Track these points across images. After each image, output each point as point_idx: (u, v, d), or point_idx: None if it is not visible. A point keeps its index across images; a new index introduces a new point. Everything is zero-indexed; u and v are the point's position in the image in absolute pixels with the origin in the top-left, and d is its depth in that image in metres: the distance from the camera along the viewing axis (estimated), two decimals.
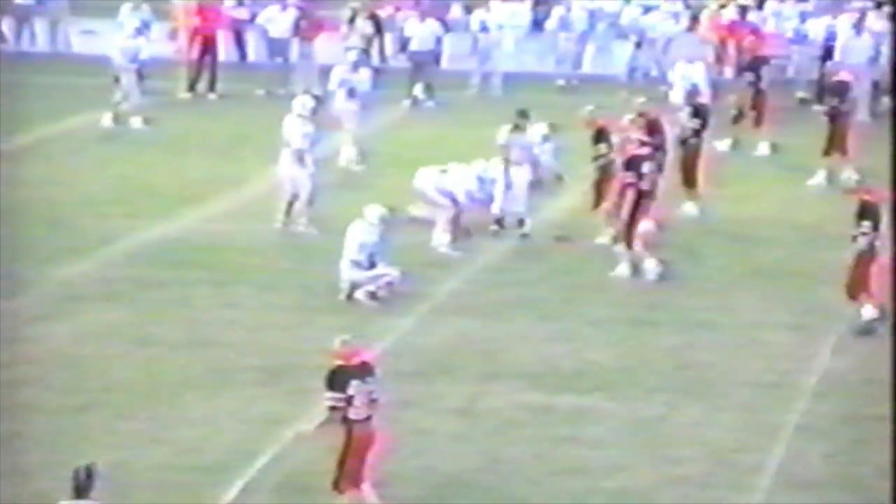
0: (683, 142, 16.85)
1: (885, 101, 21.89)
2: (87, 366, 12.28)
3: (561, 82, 24.46)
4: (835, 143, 18.25)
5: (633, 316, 13.78)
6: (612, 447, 11.05)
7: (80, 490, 8.10)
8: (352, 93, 18.35)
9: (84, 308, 13.61)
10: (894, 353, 12.45)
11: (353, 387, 9.34)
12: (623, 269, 14.59)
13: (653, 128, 16.03)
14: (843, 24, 22.80)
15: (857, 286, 12.96)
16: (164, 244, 15.82)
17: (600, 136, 15.98)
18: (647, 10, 24.88)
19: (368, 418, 9.39)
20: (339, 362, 9.41)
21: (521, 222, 15.96)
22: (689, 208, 16.68)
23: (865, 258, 12.92)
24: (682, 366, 12.62)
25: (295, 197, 15.97)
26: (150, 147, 20.23)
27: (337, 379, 9.37)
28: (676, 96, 22.55)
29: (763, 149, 19.87)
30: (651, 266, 14.52)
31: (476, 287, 14.62)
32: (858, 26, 22.28)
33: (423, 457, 10.63)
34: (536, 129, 16.65)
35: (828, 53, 22.80)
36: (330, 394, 9.36)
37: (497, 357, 12.78)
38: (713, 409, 11.70)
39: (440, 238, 15.27)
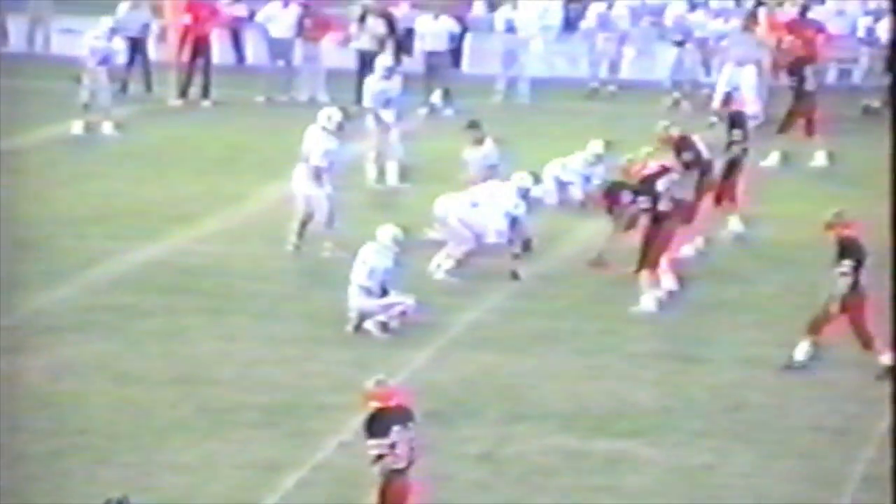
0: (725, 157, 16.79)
1: None
2: (63, 405, 12.27)
3: (594, 84, 24.49)
4: None
5: (676, 351, 13.74)
6: (652, 498, 10.98)
7: None
8: (388, 103, 18.42)
9: (61, 340, 13.62)
10: (894, 362, 12.41)
11: (395, 432, 9.29)
12: (648, 303, 14.52)
13: (681, 145, 15.96)
14: None
15: (820, 325, 13.02)
16: (151, 268, 15.84)
17: (680, 148, 15.96)
18: (694, 6, 24.88)
19: (406, 468, 9.35)
20: (377, 405, 9.35)
21: (525, 244, 15.78)
22: (735, 226, 16.62)
23: (851, 300, 12.87)
24: (731, 407, 12.56)
25: (309, 217, 15.97)
26: (134, 159, 20.29)
27: (377, 424, 9.29)
28: (717, 103, 22.65)
29: (820, 159, 19.83)
30: (649, 300, 14.43)
31: (499, 317, 14.59)
32: None
33: None
34: (591, 148, 16.68)
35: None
36: (374, 441, 9.23)
37: (523, 396, 12.74)
38: (767, 457, 11.63)
39: (441, 260, 15.07)
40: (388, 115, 18.25)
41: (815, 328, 13.13)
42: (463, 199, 15.72)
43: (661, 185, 14.59)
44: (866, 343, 13.03)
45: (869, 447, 11.82)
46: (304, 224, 16.00)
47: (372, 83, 19.01)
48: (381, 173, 18.67)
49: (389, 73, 19.00)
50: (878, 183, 18.62)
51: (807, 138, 19.88)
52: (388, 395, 9.41)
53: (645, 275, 14.58)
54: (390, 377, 12.91)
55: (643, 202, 14.53)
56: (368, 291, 13.85)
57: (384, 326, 13.90)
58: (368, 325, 13.93)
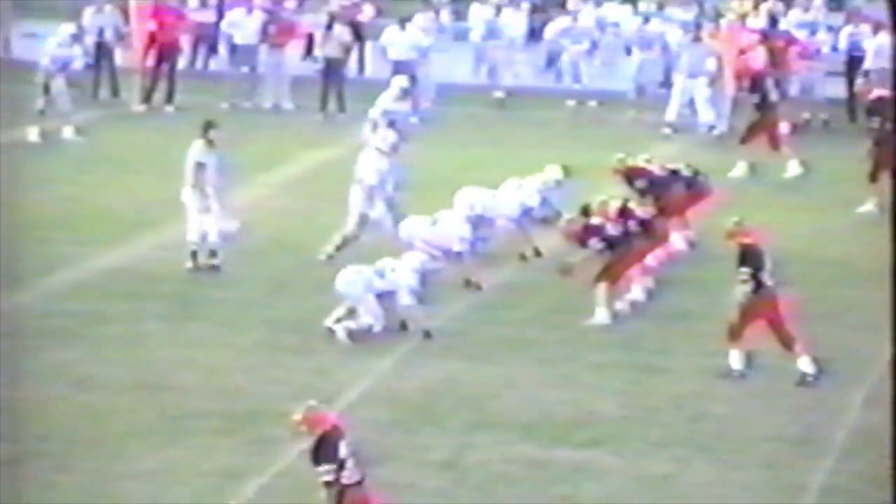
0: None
1: None
2: (22, 411, 12.21)
3: (561, 95, 24.52)
4: (883, 167, 18.30)
5: (640, 360, 13.79)
6: None
7: None
8: (393, 124, 18.41)
9: (22, 345, 13.55)
10: (894, 368, 12.55)
11: (343, 450, 9.32)
12: (602, 316, 14.56)
13: (632, 175, 16.06)
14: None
15: (736, 333, 13.19)
16: (113, 274, 15.80)
17: (631, 178, 16.07)
18: (647, 18, 24.91)
19: (361, 481, 9.36)
20: (322, 430, 9.37)
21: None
22: (687, 236, 16.72)
23: (761, 305, 13.02)
24: (693, 417, 12.62)
25: (355, 237, 15.93)
26: (98, 164, 20.24)
27: (324, 448, 9.33)
28: (671, 114, 22.74)
29: (793, 168, 19.95)
30: (602, 313, 14.52)
31: (463, 326, 14.62)
32: None
33: None
34: (548, 174, 16.68)
35: (853, 67, 22.85)
36: (323, 467, 9.27)
37: (486, 404, 12.77)
38: (728, 467, 11.69)
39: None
40: (389, 135, 18.20)
41: (732, 336, 13.27)
42: (424, 219, 15.77)
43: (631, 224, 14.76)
44: (786, 344, 13.17)
45: (829, 457, 11.90)
46: (346, 241, 15.94)
47: (384, 99, 18.97)
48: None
49: (404, 94, 19.02)
50: (844, 193, 18.84)
51: (772, 151, 19.97)
52: (323, 419, 9.44)
53: (602, 287, 14.64)
54: (353, 385, 13.03)
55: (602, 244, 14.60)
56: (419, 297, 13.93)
57: (351, 334, 13.91)
58: (338, 329, 13.94)
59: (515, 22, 25.55)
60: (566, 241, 15.14)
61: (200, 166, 15.84)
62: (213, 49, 25.83)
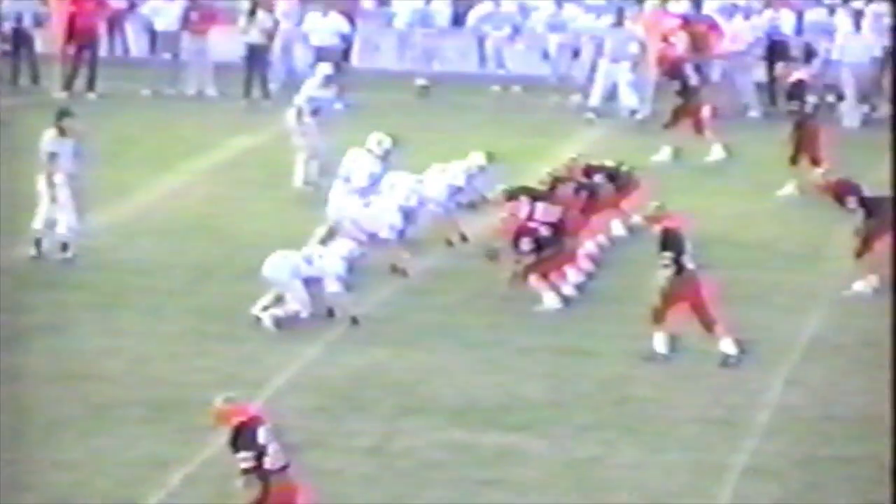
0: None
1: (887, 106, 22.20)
2: None
3: (484, 80, 24.55)
4: (803, 150, 18.53)
5: (567, 344, 13.89)
6: (540, 491, 11.11)
7: None
8: (316, 112, 18.32)
9: None
10: (894, 362, 12.76)
11: (263, 436, 9.34)
12: (551, 301, 14.66)
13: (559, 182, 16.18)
14: (841, 20, 23.04)
15: (660, 316, 13.35)
16: (36, 262, 15.67)
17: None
18: (561, 3, 24.97)
19: (286, 467, 9.38)
20: (239, 419, 9.38)
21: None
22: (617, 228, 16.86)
23: (683, 288, 13.19)
24: (619, 401, 12.74)
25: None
26: (18, 153, 20.01)
27: (243, 437, 9.35)
28: (595, 99, 22.86)
29: (717, 153, 20.12)
30: (551, 298, 14.62)
31: (390, 312, 14.65)
32: (857, 22, 22.57)
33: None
34: (472, 160, 16.72)
35: (773, 51, 23.05)
36: (242, 454, 9.30)
37: (413, 390, 12.81)
38: (653, 449, 11.81)
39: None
40: (311, 121, 18.13)
41: (656, 319, 13.42)
42: (356, 199, 15.75)
43: (539, 212, 14.83)
44: (708, 327, 13.33)
45: (751, 438, 12.06)
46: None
47: (309, 86, 18.91)
48: (308, 172, 18.52)
49: (327, 81, 18.96)
50: (765, 177, 19.04)
51: (696, 135, 20.14)
52: (242, 410, 9.46)
53: (533, 279, 14.74)
54: (280, 372, 13.03)
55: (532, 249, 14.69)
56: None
57: (278, 322, 13.90)
58: (265, 316, 13.92)
59: (441, 8, 25.56)
60: (498, 238, 15.23)
61: (53, 156, 15.62)
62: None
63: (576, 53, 24.29)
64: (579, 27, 24.38)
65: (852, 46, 22.05)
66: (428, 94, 23.93)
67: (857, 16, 22.89)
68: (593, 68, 23.65)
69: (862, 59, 22.04)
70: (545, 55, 24.63)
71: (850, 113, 22.30)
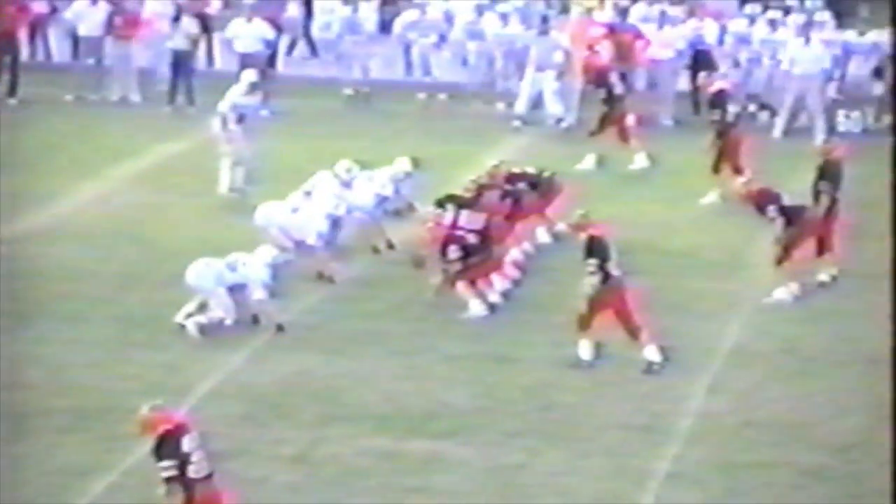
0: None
1: (844, 117, 22.44)
2: None
3: (422, 96, 24.59)
4: (725, 159, 18.72)
5: (492, 352, 13.96)
6: (466, 498, 11.17)
7: None
8: (241, 119, 18.26)
9: None
10: (894, 366, 12.90)
11: (187, 443, 9.33)
12: (476, 308, 14.74)
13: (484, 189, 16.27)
14: (790, 32, 23.24)
15: (585, 323, 13.50)
16: None
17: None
18: (481, 10, 25.07)
19: (210, 476, 9.37)
20: (164, 428, 9.36)
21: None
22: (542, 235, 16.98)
23: (608, 295, 13.34)
24: (543, 407, 12.82)
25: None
26: None
27: (167, 446, 9.34)
28: (521, 107, 22.97)
29: (640, 161, 20.29)
30: (476, 306, 14.70)
31: (316, 319, 14.65)
32: (806, 34, 22.79)
33: None
34: (398, 166, 16.77)
35: (696, 61, 23.26)
36: (164, 463, 9.29)
37: (339, 397, 12.83)
38: (577, 456, 11.91)
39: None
40: (236, 128, 18.06)
41: (581, 326, 13.55)
42: (283, 206, 15.74)
43: (464, 218, 14.92)
44: (632, 334, 13.47)
45: (673, 444, 12.19)
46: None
47: (233, 93, 18.84)
48: (233, 179, 18.44)
49: (252, 88, 18.90)
50: (688, 185, 19.21)
51: (620, 144, 20.28)
52: (167, 418, 9.45)
53: (461, 286, 14.81)
54: (205, 379, 12.98)
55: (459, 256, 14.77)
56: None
57: (202, 329, 13.86)
58: (189, 324, 13.87)
59: (367, 15, 25.57)
60: (424, 246, 15.28)
61: None
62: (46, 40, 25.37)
63: (492, 62, 24.43)
64: (500, 35, 24.49)
65: (802, 58, 22.30)
66: (355, 100, 23.96)
67: (806, 28, 23.14)
68: (507, 77, 23.79)
69: (811, 70, 22.26)
70: (465, 62, 24.74)
71: (779, 123, 22.55)
